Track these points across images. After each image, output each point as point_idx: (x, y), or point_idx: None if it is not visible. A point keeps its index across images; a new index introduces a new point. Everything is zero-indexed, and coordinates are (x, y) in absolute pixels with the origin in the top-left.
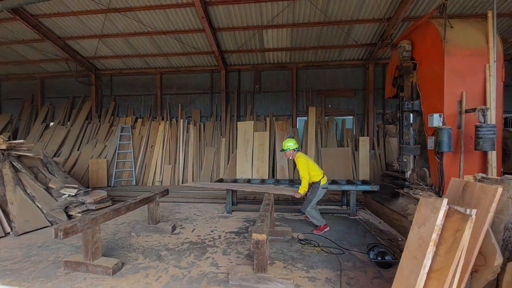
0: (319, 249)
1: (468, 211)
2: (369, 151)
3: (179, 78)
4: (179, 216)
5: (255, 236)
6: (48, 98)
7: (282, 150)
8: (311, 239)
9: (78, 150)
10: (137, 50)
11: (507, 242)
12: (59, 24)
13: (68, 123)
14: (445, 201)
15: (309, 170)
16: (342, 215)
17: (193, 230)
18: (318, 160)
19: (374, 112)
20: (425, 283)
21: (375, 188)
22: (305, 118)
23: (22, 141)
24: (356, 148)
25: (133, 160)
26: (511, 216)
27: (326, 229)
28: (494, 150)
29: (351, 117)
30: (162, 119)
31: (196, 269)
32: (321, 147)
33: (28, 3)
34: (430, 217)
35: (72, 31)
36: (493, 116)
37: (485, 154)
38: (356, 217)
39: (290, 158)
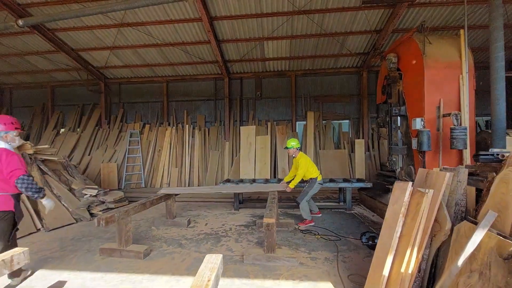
0: (319, 236)
1: (426, 190)
2: (365, 153)
3: (184, 86)
4: (191, 213)
5: (266, 220)
6: (58, 106)
7: (286, 148)
8: (311, 229)
9: (89, 155)
10: (145, 60)
11: (457, 214)
12: (74, 37)
13: (78, 129)
14: (410, 184)
15: (308, 168)
16: (339, 210)
17: (206, 224)
18: (316, 161)
19: (369, 116)
20: (397, 244)
21: (369, 185)
22: (304, 122)
23: (46, 146)
24: (352, 150)
25: (141, 163)
26: (459, 195)
27: (311, 224)
28: (466, 148)
29: (347, 121)
30: (169, 124)
31: (214, 253)
32: (319, 149)
33: (49, 21)
34: (400, 196)
35: (85, 43)
36: (466, 119)
37: (460, 152)
38: (352, 211)
39: (293, 156)
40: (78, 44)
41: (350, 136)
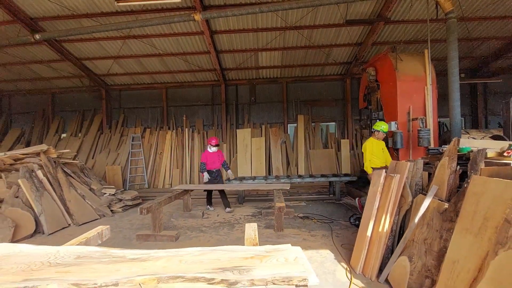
0: (316, 220)
1: (394, 175)
2: (349, 151)
3: (183, 92)
4: (201, 208)
5: (277, 204)
6: (58, 112)
7: (382, 131)
8: (308, 215)
9: (92, 158)
10: (146, 68)
11: (416, 191)
12: (80, 48)
13: (80, 134)
14: (383, 171)
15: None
16: (330, 201)
17: (218, 215)
18: (307, 160)
19: (352, 118)
20: (376, 213)
21: (354, 178)
22: (295, 124)
23: (68, 150)
24: (338, 149)
25: (144, 166)
26: (418, 179)
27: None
28: (430, 145)
29: (334, 123)
30: (169, 128)
31: (232, 235)
32: (309, 149)
33: (64, 36)
34: (377, 180)
35: (90, 53)
36: (430, 122)
37: (426, 148)
38: (340, 202)
39: (378, 139)
40: (83, 53)
41: (337, 136)
